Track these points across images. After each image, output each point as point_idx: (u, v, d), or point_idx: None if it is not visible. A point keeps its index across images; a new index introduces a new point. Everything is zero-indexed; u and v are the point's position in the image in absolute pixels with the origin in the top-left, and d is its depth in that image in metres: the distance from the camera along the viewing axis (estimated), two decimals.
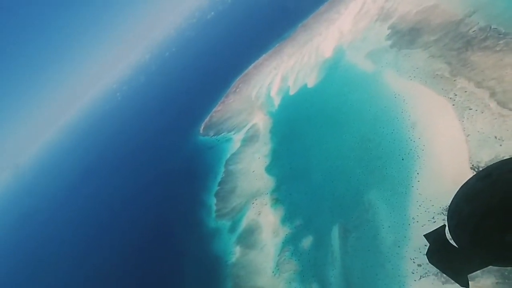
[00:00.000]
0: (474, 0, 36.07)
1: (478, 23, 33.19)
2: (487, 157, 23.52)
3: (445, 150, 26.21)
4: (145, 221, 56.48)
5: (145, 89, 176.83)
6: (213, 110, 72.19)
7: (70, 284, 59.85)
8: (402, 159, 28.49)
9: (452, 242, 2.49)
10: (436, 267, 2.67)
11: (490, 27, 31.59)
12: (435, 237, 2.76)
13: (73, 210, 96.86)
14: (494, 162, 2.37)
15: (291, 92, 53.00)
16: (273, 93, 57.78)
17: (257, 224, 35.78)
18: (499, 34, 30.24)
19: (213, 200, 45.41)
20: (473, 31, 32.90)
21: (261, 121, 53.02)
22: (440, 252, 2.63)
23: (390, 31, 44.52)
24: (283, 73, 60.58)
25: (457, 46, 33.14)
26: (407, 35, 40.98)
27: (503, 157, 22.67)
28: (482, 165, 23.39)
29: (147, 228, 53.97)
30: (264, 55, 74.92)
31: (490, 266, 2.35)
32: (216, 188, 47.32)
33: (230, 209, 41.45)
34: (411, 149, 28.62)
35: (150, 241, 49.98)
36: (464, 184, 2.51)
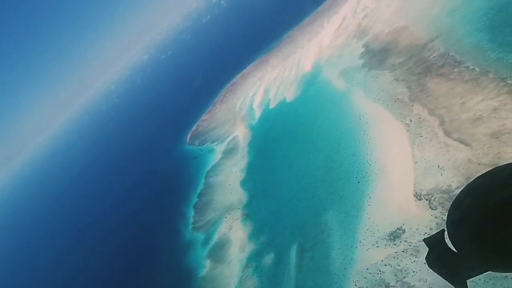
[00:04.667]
0: (439, 25, 37.38)
1: (439, 48, 34.53)
2: (428, 186, 24.97)
3: (395, 176, 27.65)
4: (126, 228, 58.33)
5: (140, 92, 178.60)
6: (201, 118, 73.83)
7: None
8: (358, 182, 29.94)
9: (451, 246, 2.41)
10: (435, 272, 2.60)
11: (448, 54, 32.93)
12: (433, 242, 2.67)
13: (54, 215, 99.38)
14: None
15: (271, 106, 54.48)
16: (255, 105, 59.27)
17: (227, 239, 37.36)
18: (455, 62, 31.58)
19: (191, 212, 47.05)
20: (434, 57, 34.24)
21: (241, 134, 54.53)
22: (438, 257, 2.58)
23: (363, 50, 45.86)
24: (266, 85, 62.04)
25: (418, 71, 34.49)
26: (377, 55, 42.31)
27: (441, 187, 24.13)
28: (424, 193, 24.83)
29: (127, 235, 55.84)
30: (251, 65, 76.39)
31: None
32: (195, 199, 48.94)
33: (206, 222, 43.06)
34: (367, 173, 30.06)
35: (128, 248, 51.87)
36: (466, 186, 2.32)
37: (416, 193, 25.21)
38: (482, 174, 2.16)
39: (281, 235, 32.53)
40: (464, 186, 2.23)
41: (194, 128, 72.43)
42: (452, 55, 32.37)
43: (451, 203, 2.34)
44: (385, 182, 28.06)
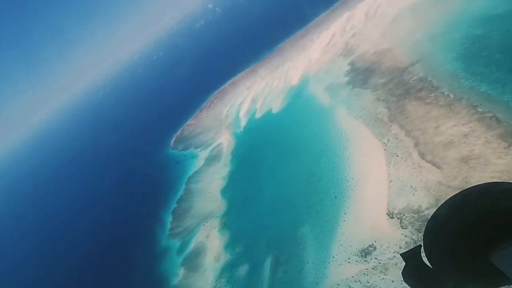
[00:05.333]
0: (420, 50, 39.20)
1: (418, 73, 36.13)
2: (401, 205, 25.77)
3: (370, 193, 28.38)
4: (100, 231, 56.62)
5: (127, 91, 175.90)
6: (186, 123, 73.39)
7: None
8: (335, 197, 30.50)
9: (427, 261, 2.38)
10: (409, 286, 2.58)
11: (427, 79, 34.50)
12: (410, 257, 2.65)
13: (23, 216, 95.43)
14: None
15: (257, 115, 54.93)
16: (242, 113, 59.59)
17: (204, 247, 36.93)
18: (432, 87, 33.11)
19: (169, 218, 46.30)
20: (413, 80, 35.77)
21: (226, 141, 54.55)
22: (414, 271, 2.56)
23: (349, 68, 47.30)
24: (254, 94, 62.61)
25: (398, 93, 35.88)
26: (362, 74, 43.73)
27: (412, 207, 24.97)
28: (396, 212, 25.59)
29: (100, 239, 54.15)
30: (241, 73, 77.01)
31: None
32: (174, 205, 48.25)
33: (183, 228, 42.46)
34: (344, 189, 30.69)
35: (101, 252, 50.27)
36: (443, 203, 2.29)
37: (389, 211, 25.93)
38: (458, 193, 2.21)
39: (257, 247, 32.48)
40: (441, 203, 2.26)
41: (179, 132, 71.88)
42: (430, 80, 33.94)
43: (420, 223, 2.58)
44: (361, 198, 28.72)
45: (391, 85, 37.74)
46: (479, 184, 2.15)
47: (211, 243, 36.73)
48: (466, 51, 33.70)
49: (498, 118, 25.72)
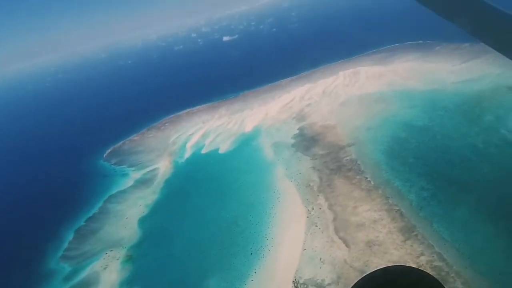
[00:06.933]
0: (357, 135, 44.42)
1: (351, 154, 40.41)
2: (307, 275, 26.41)
3: (284, 257, 28.76)
4: None
5: (80, 85, 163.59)
6: (130, 137, 69.19)
7: None
8: (251, 254, 30.16)
9: None
10: None
11: (356, 162, 38.63)
12: None
13: None
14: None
15: (204, 151, 54.46)
16: (189, 144, 58.55)
17: (96, 280, 32.37)
18: (359, 170, 37.02)
19: (70, 236, 40.46)
20: (346, 160, 39.71)
21: (163, 168, 52.14)
22: None
23: (298, 132, 51.00)
24: (207, 130, 62.70)
25: (332, 167, 39.23)
26: (306, 141, 47.32)
27: (316, 280, 25.75)
28: (301, 281, 26.05)
29: None
30: (201, 106, 77.52)
31: None
32: (82, 223, 42.68)
33: (81, 252, 37.18)
34: (262, 246, 30.68)
35: None
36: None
37: (295, 279, 26.28)
38: (364, 277, 2.45)
39: None
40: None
41: (118, 144, 67.00)
42: (359, 164, 38.05)
43: None
44: (274, 260, 28.84)
45: (327, 158, 41.25)
46: (379, 269, 2.46)
47: (107, 276, 32.45)
48: (391, 148, 39.16)
49: (402, 213, 29.30)
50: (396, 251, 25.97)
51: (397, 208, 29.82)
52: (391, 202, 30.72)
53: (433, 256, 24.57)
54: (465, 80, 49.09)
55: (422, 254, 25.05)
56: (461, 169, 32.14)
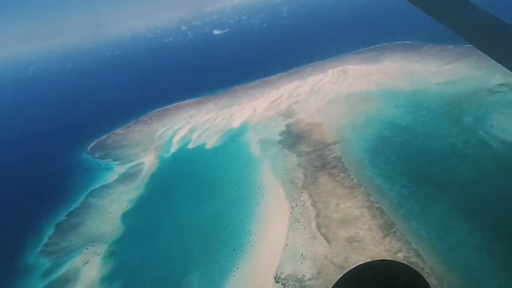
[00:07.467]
0: (343, 133, 44.95)
1: (336, 152, 40.91)
2: (288, 271, 26.77)
3: (266, 253, 29.02)
4: None
5: (64, 76, 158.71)
6: (115, 131, 67.81)
7: None
8: (234, 249, 30.28)
9: None
10: None
11: (341, 159, 39.15)
12: None
13: None
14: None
15: (190, 146, 53.98)
16: (176, 139, 57.90)
17: (76, 275, 31.87)
18: (343, 168, 37.54)
19: (50, 231, 39.58)
20: (331, 157, 40.18)
21: (149, 162, 51.45)
22: None
23: (285, 129, 51.15)
24: (194, 124, 62.10)
25: (317, 164, 39.63)
26: (293, 138, 47.56)
27: (297, 275, 26.13)
28: (283, 277, 26.38)
29: None
30: (189, 100, 76.60)
31: None
32: (62, 217, 41.78)
33: (61, 247, 36.46)
34: (244, 242, 30.84)
35: None
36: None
37: (276, 274, 26.58)
38: (347, 272, 2.42)
39: (138, 286, 29.36)
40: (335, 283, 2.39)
41: (103, 138, 65.57)
42: (343, 161, 38.58)
43: None
44: (257, 256, 29.05)
45: (313, 156, 41.63)
46: (363, 263, 2.45)
47: (88, 271, 31.97)
48: (375, 146, 39.84)
49: (382, 210, 29.97)
50: (375, 247, 26.61)
51: (378, 206, 30.48)
52: (372, 199, 31.36)
53: (409, 253, 25.31)
54: (448, 81, 50.31)
55: (399, 251, 25.76)
56: (441, 168, 33.07)
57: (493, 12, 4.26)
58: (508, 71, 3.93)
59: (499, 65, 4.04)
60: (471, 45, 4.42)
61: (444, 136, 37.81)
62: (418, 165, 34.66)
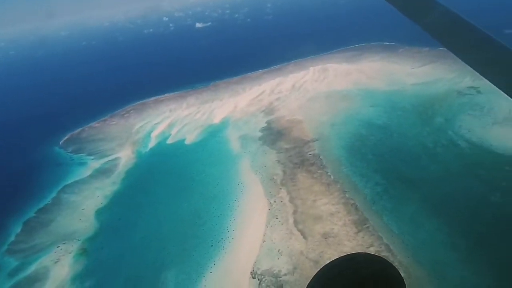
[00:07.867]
0: (322, 131, 45.75)
1: (315, 149, 41.62)
2: (265, 266, 27.08)
3: (244, 249, 29.17)
4: None
5: (35, 65, 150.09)
6: (90, 124, 65.15)
7: None
8: (211, 246, 30.19)
9: None
10: None
11: (319, 156, 39.89)
12: None
13: None
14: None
15: (169, 141, 52.91)
16: (154, 134, 56.53)
17: (45, 274, 30.56)
18: (321, 165, 38.29)
19: (18, 229, 37.62)
20: (309, 154, 40.83)
21: (125, 158, 49.95)
22: None
23: (266, 125, 51.30)
24: (174, 119, 60.87)
25: (295, 161, 40.15)
26: (273, 135, 47.82)
27: (273, 270, 26.51)
28: (259, 272, 26.66)
29: None
30: (169, 94, 74.87)
31: None
32: (32, 214, 39.81)
33: (30, 245, 34.78)
34: (222, 239, 30.81)
35: None
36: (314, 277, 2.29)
37: (253, 270, 26.82)
38: (323, 267, 2.38)
39: (111, 285, 28.62)
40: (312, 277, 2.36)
41: (77, 131, 62.85)
42: (321, 159, 39.33)
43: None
44: (234, 252, 29.13)
45: (292, 153, 42.11)
46: (341, 256, 2.42)
47: (58, 270, 30.75)
48: (352, 144, 40.90)
49: (357, 206, 30.93)
50: (349, 242, 27.45)
51: (353, 202, 31.41)
52: (347, 196, 32.26)
53: (381, 247, 26.33)
54: (423, 83, 52.39)
55: (371, 245, 26.74)
56: (412, 167, 34.52)
57: (465, 16, 4.44)
58: (477, 74, 4.09)
59: (470, 67, 4.20)
60: (445, 48, 4.58)
61: (416, 135, 39.43)
62: (392, 163, 36.00)
